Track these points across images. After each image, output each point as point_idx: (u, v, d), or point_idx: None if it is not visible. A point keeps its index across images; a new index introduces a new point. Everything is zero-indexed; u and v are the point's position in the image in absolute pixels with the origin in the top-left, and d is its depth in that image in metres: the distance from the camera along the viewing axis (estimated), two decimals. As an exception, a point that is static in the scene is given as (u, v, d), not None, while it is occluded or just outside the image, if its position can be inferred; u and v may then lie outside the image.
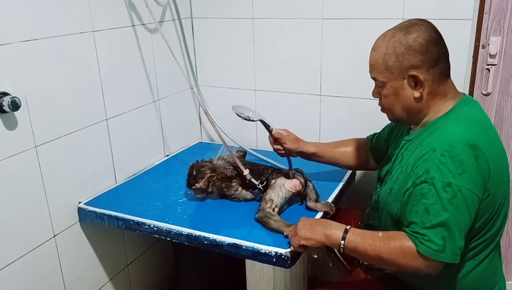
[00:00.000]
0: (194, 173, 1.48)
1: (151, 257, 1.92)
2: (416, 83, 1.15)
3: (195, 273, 1.76)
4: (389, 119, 1.30)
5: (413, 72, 1.13)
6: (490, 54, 1.69)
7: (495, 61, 1.70)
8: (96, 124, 1.56)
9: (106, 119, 1.60)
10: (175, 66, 1.74)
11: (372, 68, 1.21)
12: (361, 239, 1.11)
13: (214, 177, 1.47)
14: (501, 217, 1.17)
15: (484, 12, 1.62)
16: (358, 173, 1.85)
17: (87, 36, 1.48)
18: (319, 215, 1.41)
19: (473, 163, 1.06)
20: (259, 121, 1.48)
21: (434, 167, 1.06)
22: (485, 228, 1.14)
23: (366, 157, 1.56)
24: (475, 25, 1.60)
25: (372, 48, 1.22)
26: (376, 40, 1.21)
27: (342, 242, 1.13)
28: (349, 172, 1.73)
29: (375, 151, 1.53)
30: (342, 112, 1.84)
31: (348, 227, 1.15)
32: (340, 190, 1.61)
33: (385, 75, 1.18)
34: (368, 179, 1.87)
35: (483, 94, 1.75)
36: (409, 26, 1.16)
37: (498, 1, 1.63)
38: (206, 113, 1.76)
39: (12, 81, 1.25)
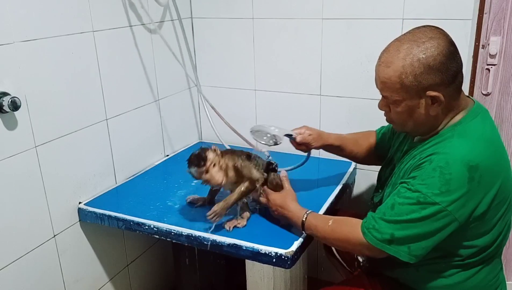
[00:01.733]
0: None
1: (151, 257, 1.92)
2: (433, 101, 1.09)
3: (195, 273, 1.76)
4: (396, 130, 1.28)
5: (433, 93, 1.07)
6: (490, 54, 1.69)
7: (495, 61, 1.70)
8: (96, 124, 1.56)
9: (106, 119, 1.60)
10: (175, 66, 1.74)
11: (384, 85, 1.12)
12: (315, 223, 1.23)
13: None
14: (503, 231, 1.16)
15: (484, 12, 1.62)
16: (358, 173, 1.85)
17: (87, 36, 1.48)
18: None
19: (463, 185, 1.03)
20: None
21: (421, 176, 1.07)
22: (483, 243, 1.13)
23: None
24: (475, 25, 1.60)
25: (381, 62, 1.12)
26: (386, 53, 1.12)
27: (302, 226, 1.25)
28: (349, 172, 1.73)
29: (379, 148, 1.50)
30: (342, 112, 1.84)
31: (309, 211, 1.26)
32: (339, 191, 1.61)
33: (400, 94, 1.10)
34: (367, 179, 1.87)
35: (483, 94, 1.75)
36: (426, 40, 1.07)
37: (498, 1, 1.63)
38: (214, 108, 1.76)
39: (12, 81, 1.24)
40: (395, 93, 1.10)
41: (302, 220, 1.25)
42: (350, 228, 1.16)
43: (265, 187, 1.37)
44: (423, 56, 1.05)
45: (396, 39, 1.13)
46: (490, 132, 1.13)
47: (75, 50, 1.43)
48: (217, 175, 1.30)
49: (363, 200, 1.92)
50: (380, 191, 1.34)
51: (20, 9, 1.25)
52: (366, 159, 1.54)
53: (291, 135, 1.40)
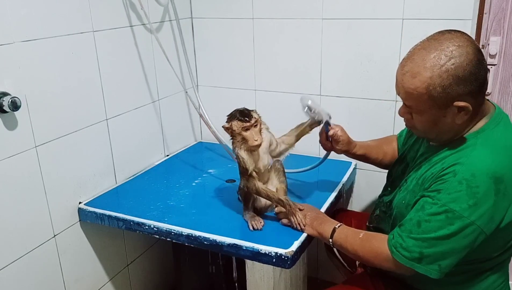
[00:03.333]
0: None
1: (151, 257, 1.92)
2: (460, 110, 1.05)
3: (195, 273, 1.76)
4: (417, 135, 1.25)
5: (461, 104, 1.03)
6: (490, 54, 1.69)
7: (495, 61, 1.70)
8: (96, 124, 1.56)
9: (106, 119, 1.60)
10: (175, 66, 1.74)
11: (409, 96, 1.07)
12: (345, 238, 1.22)
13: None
14: None
15: (484, 12, 1.62)
16: (358, 172, 1.85)
17: (87, 36, 1.48)
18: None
19: (490, 198, 1.01)
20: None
21: (447, 190, 1.03)
22: (498, 251, 1.13)
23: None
24: (475, 25, 1.60)
25: (406, 72, 1.06)
26: (411, 62, 1.06)
27: (330, 240, 1.25)
28: (349, 172, 1.73)
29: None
30: (342, 112, 1.84)
31: (337, 225, 1.25)
32: (339, 191, 1.61)
33: (426, 104, 1.05)
34: (367, 179, 1.87)
35: (483, 94, 1.75)
36: (453, 48, 1.02)
37: (498, 1, 1.63)
38: (201, 116, 1.77)
39: (12, 81, 1.24)
40: (421, 103, 1.06)
41: (334, 227, 1.25)
42: (379, 243, 1.15)
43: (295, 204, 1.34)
44: (452, 67, 1.01)
45: (421, 46, 1.07)
46: None
47: (75, 50, 1.43)
48: (257, 135, 1.29)
49: (363, 200, 1.92)
50: (389, 189, 1.33)
51: (20, 9, 1.25)
52: (390, 164, 1.48)
53: (329, 124, 1.38)
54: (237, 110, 1.31)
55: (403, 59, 1.09)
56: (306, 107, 1.37)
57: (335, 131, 1.38)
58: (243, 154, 1.31)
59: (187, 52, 1.97)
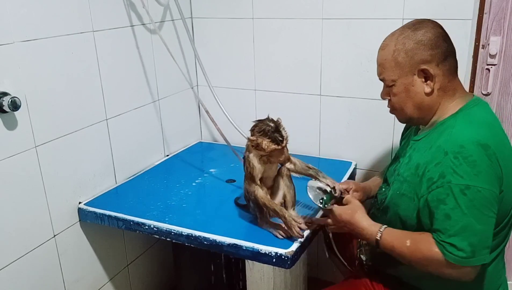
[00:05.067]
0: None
1: (151, 257, 1.92)
2: (426, 78, 1.15)
3: (195, 273, 1.76)
4: (399, 120, 1.27)
5: (423, 66, 1.13)
6: (490, 54, 1.69)
7: (495, 61, 1.70)
8: (96, 124, 1.56)
9: (106, 119, 1.60)
10: (175, 66, 1.74)
11: (382, 67, 1.20)
12: (391, 243, 1.15)
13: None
14: (509, 224, 1.16)
15: (484, 12, 1.62)
16: (358, 173, 1.85)
17: (87, 36, 1.48)
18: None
19: (487, 162, 1.04)
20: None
21: (449, 170, 1.05)
22: (495, 232, 1.12)
23: None
24: (475, 25, 1.60)
25: (380, 48, 1.21)
26: (384, 40, 1.21)
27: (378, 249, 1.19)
28: (349, 172, 1.73)
29: None
30: (342, 112, 1.84)
31: (382, 230, 1.18)
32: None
33: (395, 72, 1.17)
34: (367, 179, 1.86)
35: (483, 94, 1.75)
36: (416, 23, 1.17)
37: (498, 1, 1.63)
38: (207, 112, 1.76)
39: (12, 81, 1.24)
40: (391, 72, 1.17)
41: (376, 239, 1.18)
42: (430, 248, 1.08)
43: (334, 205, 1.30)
44: (413, 33, 1.14)
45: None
46: (491, 117, 1.17)
47: (75, 50, 1.43)
48: (283, 155, 1.27)
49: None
50: (383, 189, 1.34)
51: (20, 9, 1.25)
52: None
53: (333, 198, 1.32)
54: (268, 125, 1.23)
55: None
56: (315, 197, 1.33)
57: (346, 190, 1.37)
58: (254, 162, 1.27)
59: (187, 52, 1.97)
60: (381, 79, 1.22)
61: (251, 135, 1.26)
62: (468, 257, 1.03)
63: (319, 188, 1.34)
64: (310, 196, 1.31)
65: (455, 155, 1.05)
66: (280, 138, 1.23)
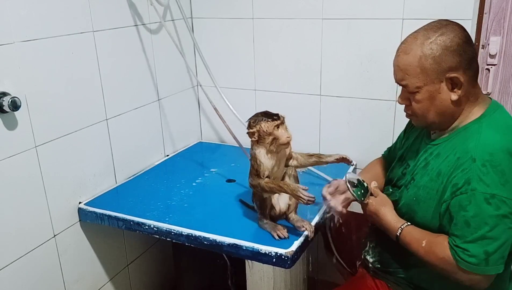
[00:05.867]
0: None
1: (151, 257, 1.92)
2: (453, 85, 1.09)
3: (195, 273, 1.76)
4: (417, 125, 1.23)
5: (452, 74, 1.08)
6: (490, 54, 1.69)
7: (495, 61, 1.70)
8: (96, 124, 1.56)
9: (106, 119, 1.60)
10: (175, 66, 1.74)
11: (404, 73, 1.12)
12: (409, 242, 1.16)
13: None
14: None
15: (484, 12, 1.62)
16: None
17: (87, 36, 1.48)
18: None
19: None
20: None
21: (475, 178, 1.03)
22: None
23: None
24: (475, 25, 1.60)
25: (401, 51, 1.13)
26: (404, 44, 1.13)
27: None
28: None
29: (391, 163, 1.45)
30: (342, 112, 1.84)
31: (404, 225, 1.18)
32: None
33: (420, 78, 1.10)
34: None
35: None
36: (442, 27, 1.10)
37: (498, 1, 1.63)
38: (216, 109, 1.75)
39: (12, 81, 1.25)
40: (416, 78, 1.11)
41: (396, 235, 1.19)
42: (443, 252, 1.09)
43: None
44: (441, 38, 1.08)
45: (412, 32, 1.14)
46: None
47: (75, 50, 1.43)
48: (287, 132, 1.27)
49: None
50: (391, 190, 1.32)
51: (20, 9, 1.25)
52: None
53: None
54: (258, 114, 1.28)
55: (398, 47, 1.15)
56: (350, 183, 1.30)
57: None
58: (261, 157, 1.27)
59: (188, 52, 1.97)
60: (402, 85, 1.15)
61: (250, 130, 1.28)
62: (479, 264, 1.03)
63: (349, 181, 1.31)
64: (351, 190, 1.29)
65: (484, 163, 1.03)
66: (275, 114, 1.25)
